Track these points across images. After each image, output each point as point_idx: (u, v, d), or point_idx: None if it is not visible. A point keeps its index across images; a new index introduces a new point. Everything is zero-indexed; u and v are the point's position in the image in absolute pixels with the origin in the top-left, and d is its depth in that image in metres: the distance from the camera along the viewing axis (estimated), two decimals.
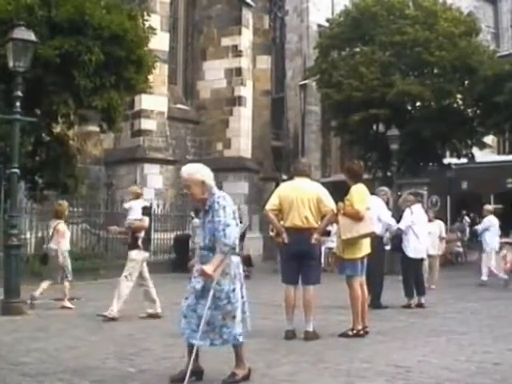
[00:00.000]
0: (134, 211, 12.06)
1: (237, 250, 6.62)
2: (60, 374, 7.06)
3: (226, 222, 6.39)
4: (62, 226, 13.58)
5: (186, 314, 6.57)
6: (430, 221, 17.13)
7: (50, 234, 13.67)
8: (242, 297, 6.70)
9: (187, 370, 6.32)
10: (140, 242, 11.62)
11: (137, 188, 13.47)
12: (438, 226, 18.79)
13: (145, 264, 11.78)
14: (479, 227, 19.61)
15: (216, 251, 6.40)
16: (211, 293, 6.39)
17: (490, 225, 19.02)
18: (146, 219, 11.83)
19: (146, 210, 12.28)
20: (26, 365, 7.47)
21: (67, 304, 13.13)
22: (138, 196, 12.59)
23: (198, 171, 6.65)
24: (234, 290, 6.55)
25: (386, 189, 14.58)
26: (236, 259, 6.66)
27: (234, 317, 6.52)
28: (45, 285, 13.20)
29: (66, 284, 13.31)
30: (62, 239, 13.47)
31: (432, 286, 16.70)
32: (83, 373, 7.06)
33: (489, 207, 20.44)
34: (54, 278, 13.30)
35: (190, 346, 6.56)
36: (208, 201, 6.57)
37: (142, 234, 11.73)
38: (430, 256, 16.79)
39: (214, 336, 6.52)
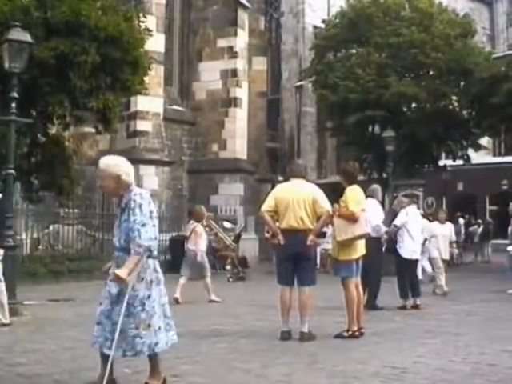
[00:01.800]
0: None
1: (154, 252, 6.15)
2: (56, 375, 7.06)
3: (141, 221, 5.92)
4: (199, 228, 15.10)
5: (100, 321, 6.05)
6: (441, 223, 17.14)
7: (188, 235, 15.14)
8: (163, 303, 6.21)
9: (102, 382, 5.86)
10: None
11: None
12: (450, 229, 17.92)
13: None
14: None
15: (131, 253, 5.89)
16: (126, 298, 5.88)
17: None
18: None
19: None
20: (22, 366, 7.47)
21: (214, 298, 14.42)
22: None
23: (117, 164, 6.18)
24: (149, 296, 6.01)
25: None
26: (153, 263, 6.16)
27: (149, 325, 5.97)
28: (182, 281, 14.48)
29: (208, 281, 14.66)
30: (200, 240, 14.94)
31: (437, 291, 16.45)
32: (79, 374, 7.05)
33: None
34: (192, 275, 14.67)
35: (104, 357, 6.04)
36: (124, 198, 6.10)
37: None
38: (442, 260, 16.81)
39: (126, 346, 5.98)
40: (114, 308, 5.98)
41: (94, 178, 26.48)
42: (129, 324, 5.93)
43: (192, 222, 15.58)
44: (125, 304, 5.87)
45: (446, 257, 17.32)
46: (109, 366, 5.93)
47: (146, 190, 6.32)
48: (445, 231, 17.27)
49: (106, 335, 5.99)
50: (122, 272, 5.80)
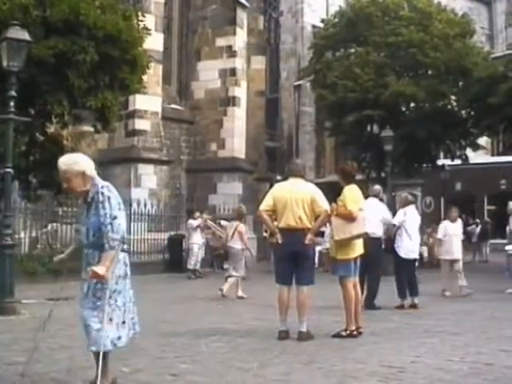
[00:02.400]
0: None
1: (125, 245, 6.03)
2: (53, 373, 7.07)
3: (112, 215, 5.79)
4: (241, 227, 15.75)
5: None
6: (453, 221, 16.58)
7: (231, 234, 15.70)
8: (130, 298, 6.09)
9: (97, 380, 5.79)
10: None
11: None
12: (461, 228, 17.26)
13: None
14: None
15: (105, 248, 5.74)
16: (107, 295, 5.80)
17: None
18: None
19: None
20: (20, 364, 7.46)
21: (242, 294, 15.06)
22: None
23: (77, 162, 5.99)
24: (115, 290, 5.89)
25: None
26: (123, 256, 6.03)
27: (111, 319, 5.86)
28: (232, 280, 15.33)
29: (233, 279, 15.32)
30: (246, 238, 15.88)
31: (447, 293, 15.96)
32: (77, 372, 7.06)
33: None
34: (239, 272, 15.40)
35: (95, 355, 5.94)
36: (90, 192, 5.95)
37: None
38: (455, 260, 16.29)
39: (90, 341, 5.88)
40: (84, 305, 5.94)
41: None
42: (93, 317, 5.85)
43: (234, 220, 16.26)
44: (106, 300, 5.81)
45: (459, 256, 16.49)
46: (100, 364, 5.80)
47: (108, 183, 6.06)
48: (457, 230, 16.64)
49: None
50: (100, 269, 5.67)
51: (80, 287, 6.05)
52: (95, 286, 5.85)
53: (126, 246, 6.08)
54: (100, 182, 6.00)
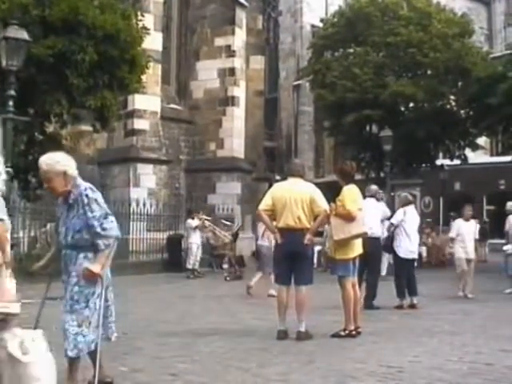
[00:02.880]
0: None
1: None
2: None
3: (103, 214, 5.75)
4: None
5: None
6: (466, 220, 16.02)
7: (261, 232, 15.70)
8: (107, 300, 5.99)
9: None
10: None
11: None
12: (475, 227, 16.53)
13: None
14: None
15: (100, 247, 5.69)
16: (103, 294, 5.81)
17: None
18: None
19: None
20: None
21: (273, 293, 14.39)
22: None
23: (59, 161, 5.88)
24: (93, 293, 5.77)
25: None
26: None
27: (90, 323, 5.75)
28: (257, 276, 15.67)
29: (272, 276, 15.22)
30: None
31: (469, 295, 15.42)
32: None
33: None
34: (264, 271, 15.39)
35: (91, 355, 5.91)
36: (72, 194, 5.84)
37: None
38: (469, 260, 15.73)
39: (68, 345, 5.69)
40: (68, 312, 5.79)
41: (90, 177, 26.70)
42: (71, 321, 5.73)
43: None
44: (102, 300, 5.78)
45: (473, 256, 15.90)
46: (97, 364, 5.77)
47: (90, 184, 5.98)
48: (470, 229, 16.05)
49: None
50: (95, 267, 5.64)
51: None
52: (72, 288, 5.79)
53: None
54: (82, 182, 5.92)
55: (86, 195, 5.77)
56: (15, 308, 5.45)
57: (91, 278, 5.71)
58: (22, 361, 5.11)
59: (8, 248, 5.89)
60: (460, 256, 15.90)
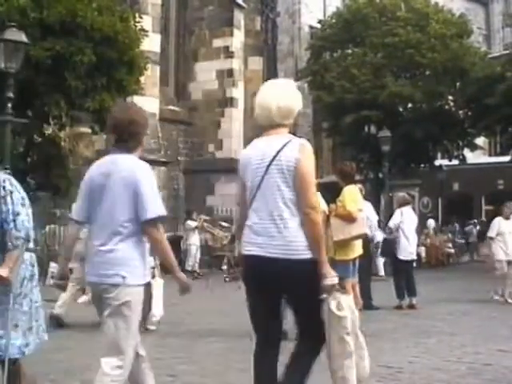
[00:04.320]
0: None
1: (31, 244, 5.37)
2: (51, 374, 7.06)
3: (14, 211, 5.14)
4: None
5: None
6: (507, 219, 14.84)
7: None
8: (36, 301, 5.50)
9: None
10: None
11: None
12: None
13: None
14: None
15: (8, 248, 5.11)
16: (11, 300, 5.13)
17: None
18: None
19: None
20: None
21: None
22: None
23: None
24: (19, 294, 5.26)
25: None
26: (29, 256, 5.42)
27: (16, 325, 5.21)
28: None
29: None
30: None
31: (510, 300, 14.53)
32: (74, 373, 7.06)
33: None
34: None
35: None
36: None
37: None
38: (509, 262, 14.72)
39: None
40: None
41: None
42: None
43: None
44: (11, 304, 5.14)
45: None
46: (6, 372, 5.14)
47: (10, 176, 5.42)
48: (511, 228, 14.89)
49: None
50: (3, 271, 5.04)
51: None
52: (12, 292, 5.18)
53: (32, 245, 5.49)
54: (1, 175, 5.34)
55: (3, 187, 5.20)
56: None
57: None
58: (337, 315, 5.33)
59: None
60: (500, 258, 14.84)
